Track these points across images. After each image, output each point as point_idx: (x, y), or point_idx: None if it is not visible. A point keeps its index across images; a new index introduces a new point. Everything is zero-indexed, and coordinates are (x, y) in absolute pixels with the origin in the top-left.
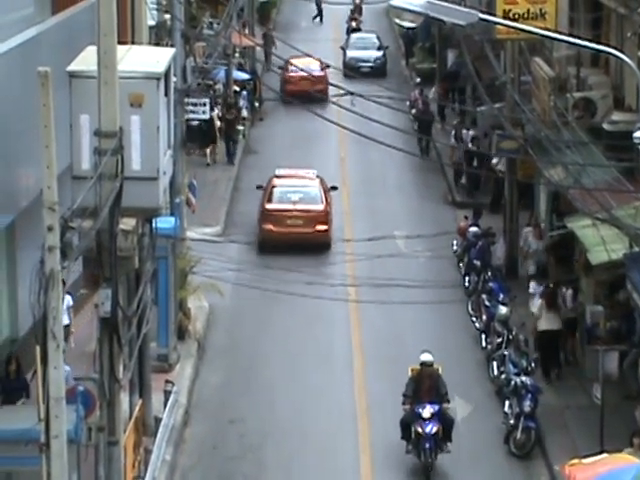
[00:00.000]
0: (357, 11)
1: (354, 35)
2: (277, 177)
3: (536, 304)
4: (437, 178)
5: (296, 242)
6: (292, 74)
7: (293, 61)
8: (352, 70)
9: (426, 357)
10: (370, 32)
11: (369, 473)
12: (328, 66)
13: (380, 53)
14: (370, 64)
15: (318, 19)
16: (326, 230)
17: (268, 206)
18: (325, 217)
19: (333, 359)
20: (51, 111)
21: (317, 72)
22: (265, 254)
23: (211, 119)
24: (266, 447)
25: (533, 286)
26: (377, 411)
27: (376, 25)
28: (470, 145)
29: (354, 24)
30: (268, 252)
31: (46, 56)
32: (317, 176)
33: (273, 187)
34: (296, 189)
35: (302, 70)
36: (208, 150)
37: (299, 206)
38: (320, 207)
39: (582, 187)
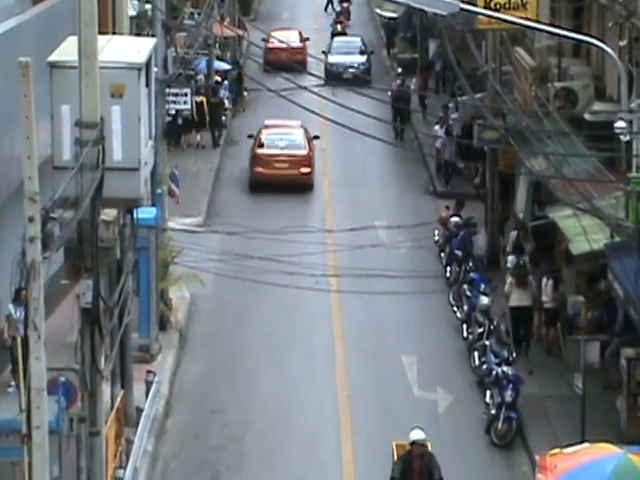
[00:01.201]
0: (344, 14)
1: (337, 39)
2: (266, 127)
3: (507, 281)
4: (418, 168)
5: (283, 183)
6: (273, 46)
7: (274, 33)
8: (334, 77)
9: (417, 435)
10: (355, 35)
11: (351, 462)
12: (307, 39)
13: (364, 58)
14: (353, 70)
15: (330, 8)
16: (309, 172)
17: (258, 151)
18: (308, 161)
19: (315, 349)
20: (32, 102)
21: (296, 44)
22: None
23: (200, 104)
24: (248, 437)
25: (511, 260)
26: (358, 401)
27: (357, 16)
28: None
29: (339, 27)
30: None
31: (27, 46)
32: (301, 126)
33: (262, 135)
34: (283, 136)
35: (281, 42)
36: (198, 136)
37: (285, 151)
38: (304, 152)
39: (563, 177)
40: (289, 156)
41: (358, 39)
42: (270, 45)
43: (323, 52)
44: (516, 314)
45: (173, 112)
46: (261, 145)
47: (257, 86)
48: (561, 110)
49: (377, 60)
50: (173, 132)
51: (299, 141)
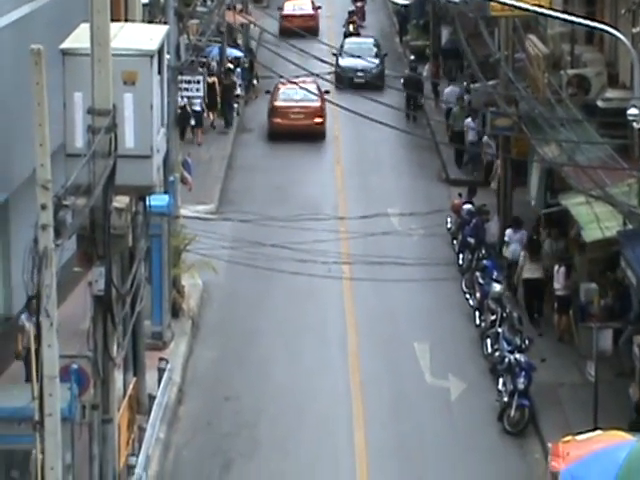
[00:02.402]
0: (358, 14)
1: (348, 40)
2: (282, 83)
3: (510, 251)
4: (431, 156)
5: (298, 132)
6: (287, 13)
7: (288, 3)
8: (344, 81)
9: None
10: (367, 37)
11: (363, 449)
12: (319, 7)
13: (377, 61)
14: (365, 74)
15: None
16: (322, 122)
17: (276, 104)
18: (321, 112)
19: (327, 336)
20: (44, 89)
21: (309, 11)
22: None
23: (212, 84)
24: (261, 424)
25: (508, 234)
26: (371, 388)
27: (370, 3)
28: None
29: (351, 28)
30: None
31: (39, 34)
32: (314, 81)
33: (279, 90)
34: (298, 90)
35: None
36: (211, 115)
37: (300, 103)
38: (317, 104)
39: (576, 164)
40: (303, 108)
41: (371, 40)
42: (284, 13)
43: (333, 54)
44: (529, 286)
45: (182, 104)
46: (277, 98)
47: (269, 74)
48: (574, 97)
49: (390, 47)
50: (182, 124)
51: (312, 95)
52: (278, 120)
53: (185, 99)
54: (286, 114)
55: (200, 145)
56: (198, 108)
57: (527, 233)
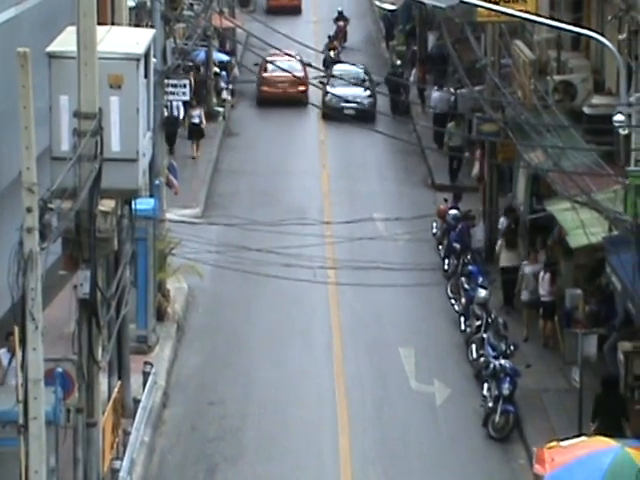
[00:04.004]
0: (340, 37)
1: (337, 67)
2: (270, 55)
3: (497, 243)
4: (417, 161)
5: (283, 98)
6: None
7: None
8: (334, 112)
9: None
10: (354, 63)
11: (347, 454)
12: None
13: (367, 92)
14: (355, 105)
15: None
16: (304, 90)
17: (264, 74)
18: (304, 81)
19: (312, 341)
20: (30, 92)
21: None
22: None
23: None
24: (245, 429)
25: (501, 222)
26: (356, 393)
27: (355, 7)
28: None
29: (332, 54)
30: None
31: (25, 36)
32: (297, 54)
33: (267, 61)
34: (283, 61)
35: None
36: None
37: (285, 73)
38: (301, 74)
39: (562, 170)
40: (288, 78)
41: (361, 69)
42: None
43: (320, 82)
44: (506, 273)
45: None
46: (266, 69)
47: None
48: (560, 103)
49: (376, 53)
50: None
51: (296, 66)
52: (266, 88)
53: (176, 110)
54: (273, 83)
55: (195, 159)
56: (197, 120)
57: (506, 222)
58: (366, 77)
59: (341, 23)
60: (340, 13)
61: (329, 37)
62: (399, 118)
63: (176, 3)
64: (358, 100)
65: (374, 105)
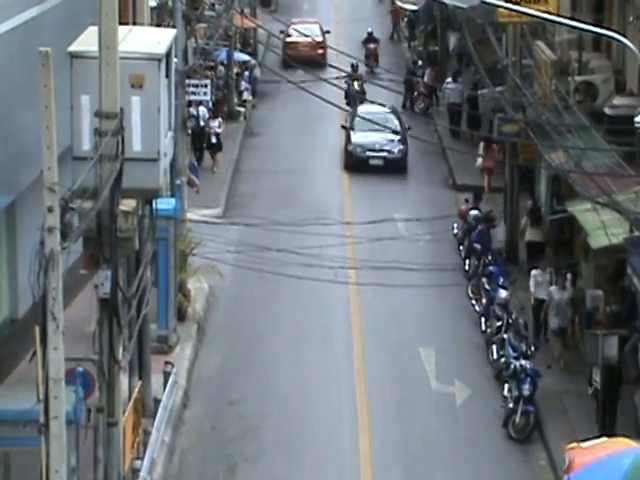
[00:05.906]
0: (371, 60)
1: (362, 109)
2: (293, 23)
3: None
4: (438, 161)
5: (305, 60)
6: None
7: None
8: (358, 163)
9: None
10: (382, 103)
11: (368, 454)
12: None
13: (397, 138)
14: (384, 155)
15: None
16: (323, 54)
17: (288, 40)
18: (323, 45)
19: (333, 341)
20: (52, 91)
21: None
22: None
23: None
24: (265, 428)
25: (528, 204)
26: (376, 393)
27: (377, 9)
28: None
29: (356, 85)
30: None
31: (47, 36)
32: (317, 22)
33: (290, 28)
34: (305, 27)
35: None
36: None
37: (307, 39)
38: (320, 39)
39: (583, 171)
40: (309, 42)
41: (390, 111)
42: (288, 39)
43: (342, 127)
44: (531, 248)
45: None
46: (289, 35)
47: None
48: (581, 104)
49: (398, 53)
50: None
51: (316, 31)
52: (290, 52)
53: (202, 121)
54: (296, 47)
55: (214, 172)
56: (219, 130)
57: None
58: (396, 120)
59: (371, 45)
60: (370, 34)
61: (352, 66)
62: (416, 116)
63: (197, 3)
64: (387, 149)
65: (406, 153)
